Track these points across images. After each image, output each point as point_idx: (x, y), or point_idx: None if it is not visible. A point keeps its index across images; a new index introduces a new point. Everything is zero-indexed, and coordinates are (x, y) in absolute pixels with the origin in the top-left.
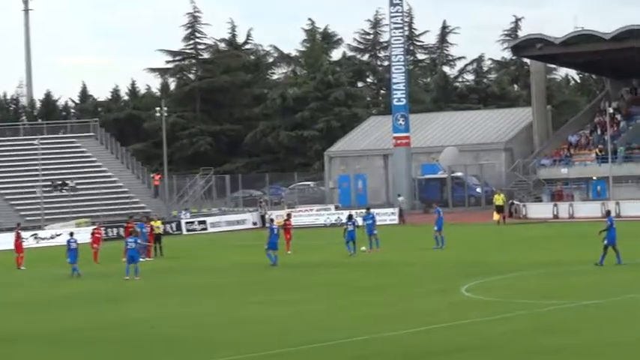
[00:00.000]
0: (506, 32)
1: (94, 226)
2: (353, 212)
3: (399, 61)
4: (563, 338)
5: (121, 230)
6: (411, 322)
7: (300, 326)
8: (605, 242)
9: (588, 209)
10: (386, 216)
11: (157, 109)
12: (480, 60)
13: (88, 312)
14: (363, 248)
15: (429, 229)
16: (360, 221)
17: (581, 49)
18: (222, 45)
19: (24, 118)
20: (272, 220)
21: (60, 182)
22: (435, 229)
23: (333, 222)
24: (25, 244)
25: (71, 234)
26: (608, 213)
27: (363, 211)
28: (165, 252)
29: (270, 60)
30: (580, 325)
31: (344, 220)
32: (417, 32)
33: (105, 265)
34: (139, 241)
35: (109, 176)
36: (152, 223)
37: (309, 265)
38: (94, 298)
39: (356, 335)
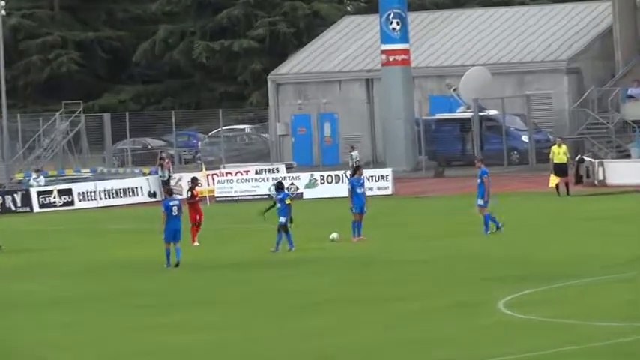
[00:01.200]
0: None
1: None
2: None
3: None
4: None
5: None
6: (413, 359)
7: None
8: None
9: None
10: (372, 182)
11: None
12: None
13: None
14: (334, 235)
15: (440, 204)
16: (345, 188)
17: None
18: None
19: None
20: (170, 192)
21: None
22: (478, 203)
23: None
24: None
25: None
26: None
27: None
28: (1, 242)
29: None
30: None
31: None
32: None
33: None
34: None
35: None
36: None
37: (239, 264)
38: None
39: None
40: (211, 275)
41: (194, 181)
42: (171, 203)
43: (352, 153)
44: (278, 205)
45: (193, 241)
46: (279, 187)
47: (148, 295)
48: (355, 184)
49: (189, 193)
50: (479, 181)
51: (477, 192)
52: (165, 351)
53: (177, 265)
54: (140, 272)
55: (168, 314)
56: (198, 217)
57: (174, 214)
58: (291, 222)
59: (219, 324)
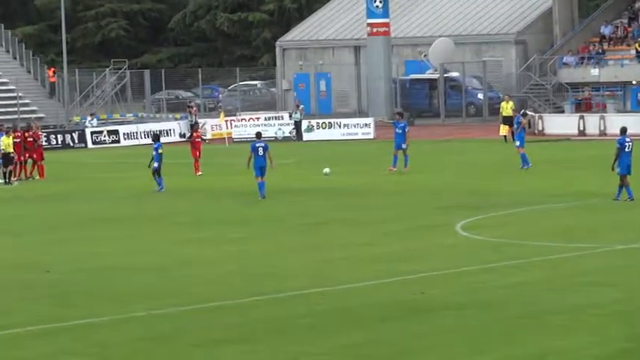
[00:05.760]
0: None
1: None
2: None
3: None
4: (587, 295)
5: None
6: (385, 270)
7: (244, 272)
8: (619, 171)
9: (625, 123)
10: (357, 128)
11: None
12: None
13: None
14: (327, 170)
15: (411, 148)
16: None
17: None
18: None
19: None
20: (258, 135)
21: None
22: (516, 144)
23: (287, 135)
24: None
25: None
26: (623, 131)
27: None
28: (45, 174)
29: None
30: (609, 278)
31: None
32: None
33: None
34: None
35: None
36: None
37: (251, 192)
38: None
39: (314, 285)
40: (234, 200)
41: (195, 126)
42: (257, 145)
43: (299, 107)
44: (154, 153)
45: (197, 171)
46: (155, 138)
47: (185, 215)
48: (401, 125)
49: (191, 134)
50: (515, 125)
51: (515, 133)
52: (200, 260)
53: (263, 197)
54: (175, 197)
55: (202, 230)
56: (198, 154)
57: (260, 153)
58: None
59: (242, 239)
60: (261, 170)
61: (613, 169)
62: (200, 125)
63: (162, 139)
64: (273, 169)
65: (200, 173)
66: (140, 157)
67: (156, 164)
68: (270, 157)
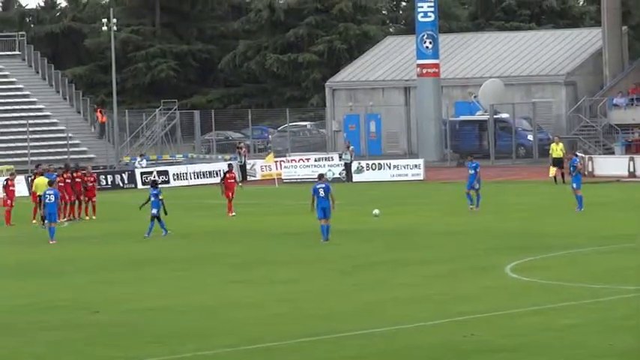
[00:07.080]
0: None
1: (9, 176)
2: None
3: None
4: (637, 338)
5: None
6: (434, 312)
7: (294, 313)
8: None
9: None
10: (407, 169)
11: (104, 21)
12: None
13: (4, 290)
14: (376, 211)
15: (461, 189)
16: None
17: None
18: None
19: None
20: (320, 176)
21: None
22: (573, 185)
23: (337, 176)
24: None
25: None
26: None
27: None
28: (97, 213)
29: None
30: None
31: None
32: None
33: (21, 227)
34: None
35: (39, 109)
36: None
37: (301, 233)
38: (9, 272)
39: (365, 327)
40: (282, 241)
41: (230, 167)
42: (318, 186)
43: (350, 148)
44: (152, 199)
45: (230, 212)
46: (153, 184)
47: (234, 255)
48: (469, 166)
49: (224, 175)
50: (571, 168)
51: (575, 177)
52: (250, 301)
53: (327, 239)
54: (223, 238)
55: (251, 271)
56: (230, 194)
57: (321, 195)
58: (165, 213)
59: (291, 280)
60: (323, 211)
61: None
62: (250, 166)
63: (211, 180)
64: (334, 210)
65: (233, 214)
66: (189, 198)
67: (155, 210)
68: (333, 198)
